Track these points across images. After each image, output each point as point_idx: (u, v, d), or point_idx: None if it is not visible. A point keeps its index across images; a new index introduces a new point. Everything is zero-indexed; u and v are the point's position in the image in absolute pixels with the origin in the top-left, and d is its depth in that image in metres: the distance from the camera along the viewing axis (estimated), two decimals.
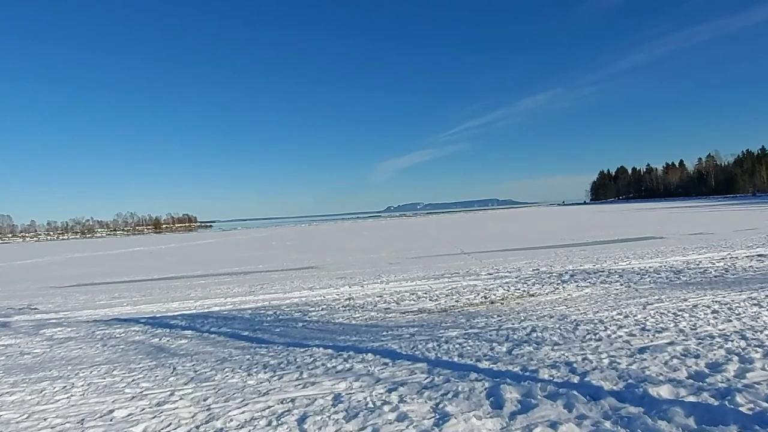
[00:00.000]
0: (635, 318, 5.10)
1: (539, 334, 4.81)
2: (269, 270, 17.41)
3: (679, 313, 5.25)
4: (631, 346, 4.19)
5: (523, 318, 5.80)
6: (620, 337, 4.37)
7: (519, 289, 8.40)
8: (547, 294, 7.70)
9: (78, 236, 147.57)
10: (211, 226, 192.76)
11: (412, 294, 8.90)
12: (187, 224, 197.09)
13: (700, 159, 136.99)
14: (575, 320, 5.20)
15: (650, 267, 11.02)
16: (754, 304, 5.48)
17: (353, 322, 6.89)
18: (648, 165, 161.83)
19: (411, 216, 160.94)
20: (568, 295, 7.34)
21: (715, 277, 8.16)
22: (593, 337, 4.46)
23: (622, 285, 7.93)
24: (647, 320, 4.95)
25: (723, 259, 10.85)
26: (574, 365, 3.96)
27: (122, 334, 7.16)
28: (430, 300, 8.25)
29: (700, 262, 10.81)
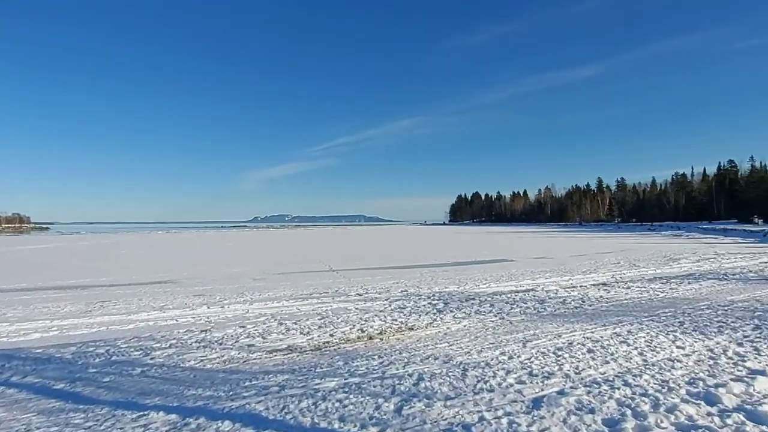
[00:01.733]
0: (520, 360, 4.90)
1: (428, 383, 4.25)
2: (113, 284, 15.24)
3: (559, 352, 5.18)
4: (524, 397, 3.89)
5: (406, 360, 5.20)
6: (511, 385, 4.08)
7: (396, 320, 7.84)
8: (425, 327, 7.23)
9: None
10: (48, 228, 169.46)
11: (280, 324, 7.85)
12: (17, 225, 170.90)
13: (539, 190, 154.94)
14: (462, 363, 4.82)
15: (509, 291, 11.52)
16: (622, 342, 5.63)
17: (208, 365, 5.59)
18: (498, 192, 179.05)
19: (278, 228, 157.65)
20: (447, 328, 7.01)
21: (576, 308, 8.51)
22: (485, 386, 4.10)
23: (495, 317, 7.85)
24: (532, 362, 4.77)
25: (574, 287, 11.60)
26: (473, 429, 3.56)
27: None
28: (300, 333, 7.27)
29: (551, 287, 11.46)
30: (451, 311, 8.56)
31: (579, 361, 4.78)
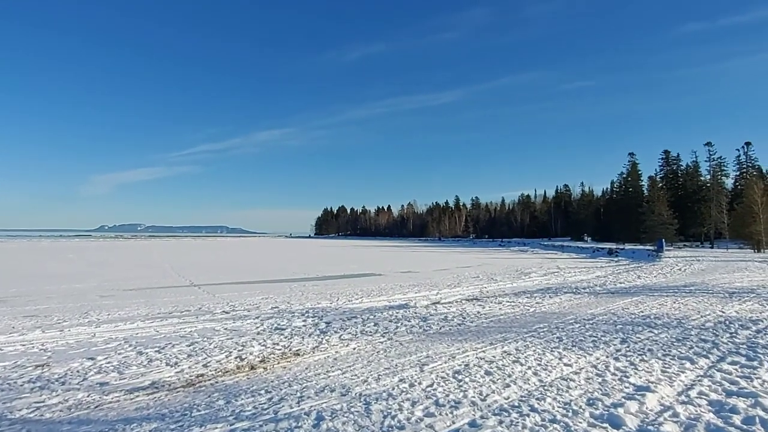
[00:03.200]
0: (422, 387, 4.55)
1: (330, 424, 3.57)
2: None
3: (458, 376, 4.96)
4: None
5: (299, 394, 4.44)
6: (421, 419, 3.68)
7: (278, 344, 6.99)
8: (312, 351, 6.51)
9: None
10: None
11: (140, 353, 6.62)
12: None
13: (403, 206, 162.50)
14: (362, 395, 4.32)
15: (383, 306, 11.52)
16: (514, 361, 5.61)
17: (47, 415, 4.33)
18: (363, 207, 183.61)
19: (129, 238, 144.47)
20: (336, 352, 6.44)
21: (459, 325, 8.51)
22: (393, 423, 3.61)
23: (383, 337, 7.46)
24: (435, 390, 4.47)
25: (452, 303, 11.88)
26: None
27: None
28: (167, 364, 6.09)
29: (422, 302, 11.63)
30: (336, 332, 8.09)
31: (481, 386, 4.63)
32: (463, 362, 5.69)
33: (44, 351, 7.25)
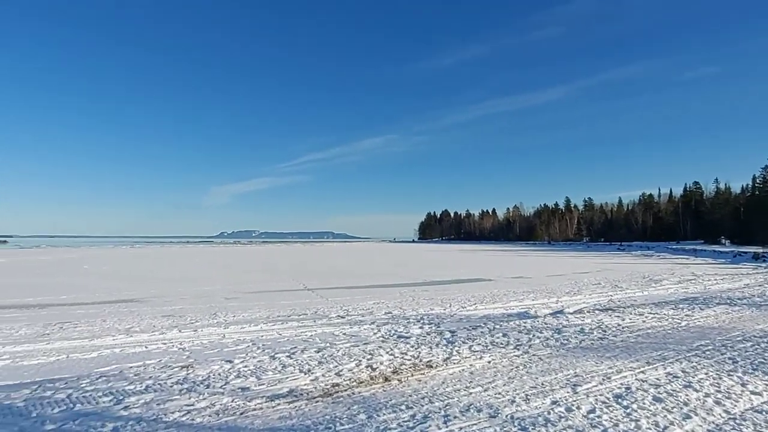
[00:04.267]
0: (583, 413, 4.00)
1: None
2: (75, 303, 14.02)
3: (622, 401, 4.31)
4: None
5: (444, 413, 4.19)
6: None
7: (406, 354, 6.82)
8: (444, 363, 6.19)
9: None
10: (6, 241, 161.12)
11: (273, 358, 6.74)
12: None
13: (508, 209, 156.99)
14: (514, 418, 3.88)
15: (500, 314, 10.87)
16: (686, 386, 4.90)
17: (198, 419, 4.44)
18: (467, 210, 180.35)
19: (246, 243, 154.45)
20: (470, 365, 6.09)
21: (601, 339, 7.74)
22: None
23: (517, 350, 6.96)
24: (600, 417, 3.88)
25: (582, 313, 11.00)
26: None
27: None
28: (300, 371, 6.10)
29: (542, 310, 10.89)
30: (464, 342, 7.70)
31: (654, 415, 4.01)
32: (622, 384, 5.05)
33: (183, 350, 7.65)
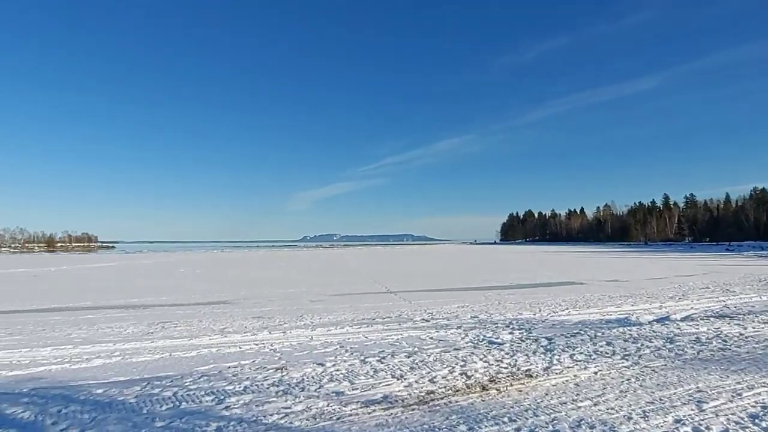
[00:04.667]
0: None
1: None
2: (174, 303, 14.95)
3: (760, 422, 3.82)
4: None
5: (553, 429, 3.96)
6: None
7: (502, 362, 6.59)
8: (545, 373, 5.91)
9: None
10: (113, 247, 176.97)
11: (364, 362, 6.76)
12: (85, 244, 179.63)
13: (598, 207, 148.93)
14: None
15: (597, 320, 10.21)
16: None
17: (296, 423, 4.45)
18: (553, 210, 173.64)
19: (327, 247, 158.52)
20: (575, 376, 5.68)
21: (722, 350, 6.95)
22: None
23: (626, 360, 6.38)
24: None
25: (693, 320, 10.10)
26: None
27: None
28: (393, 377, 5.98)
29: (645, 316, 10.09)
30: (564, 350, 7.26)
31: None
32: (757, 402, 4.47)
33: (274, 351, 7.87)
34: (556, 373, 5.93)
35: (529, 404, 4.68)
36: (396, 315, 11.63)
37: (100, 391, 5.44)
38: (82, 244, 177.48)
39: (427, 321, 10.61)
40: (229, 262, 50.36)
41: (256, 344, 8.43)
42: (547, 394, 5.03)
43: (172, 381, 5.76)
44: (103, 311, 13.39)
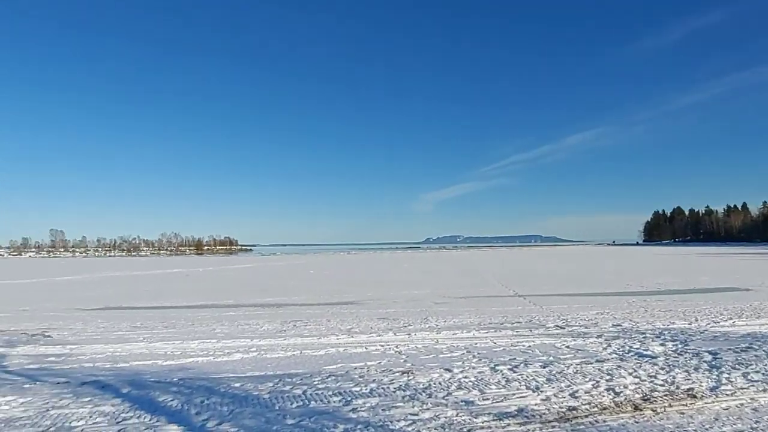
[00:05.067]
0: None
1: None
2: (304, 303, 15.66)
3: None
4: None
5: None
6: None
7: (656, 378, 5.80)
8: (712, 393, 5.07)
9: (124, 254, 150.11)
10: (251, 249, 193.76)
11: (494, 370, 6.33)
12: (227, 247, 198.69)
13: (765, 203, 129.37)
14: None
15: None
16: None
17: (423, 431, 4.18)
18: (707, 207, 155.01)
19: (451, 249, 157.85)
20: (751, 399, 4.75)
21: None
22: None
23: None
24: None
25: None
26: None
27: (78, 425, 4.47)
28: (527, 388, 5.46)
29: None
30: (734, 367, 6.17)
31: None
32: None
33: (399, 353, 7.78)
34: (727, 395, 5.01)
35: (695, 430, 3.96)
36: (526, 320, 11.03)
37: (237, 384, 5.71)
38: (224, 247, 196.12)
39: (561, 328, 9.90)
40: (355, 263, 52.16)
41: (382, 345, 8.42)
42: (717, 420, 4.22)
43: (302, 379, 5.87)
44: (242, 309, 14.41)
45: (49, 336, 10.10)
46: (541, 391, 5.29)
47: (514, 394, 5.20)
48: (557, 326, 10.12)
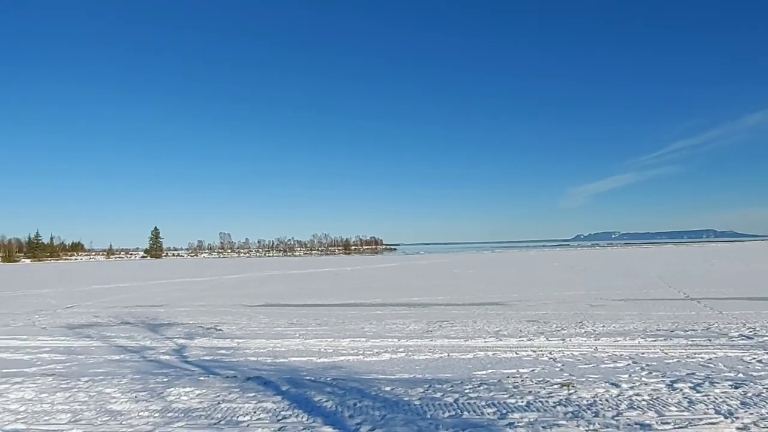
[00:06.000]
0: None
1: None
2: (449, 303, 15.53)
3: None
4: None
5: None
6: None
7: None
8: None
9: (280, 254, 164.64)
10: (395, 249, 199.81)
11: (671, 387, 5.49)
12: (373, 246, 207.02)
13: None
14: None
15: None
16: None
17: None
18: None
19: (605, 246, 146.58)
20: None
21: None
22: None
23: None
24: None
25: None
26: None
27: (244, 420, 4.77)
28: (716, 412, 4.61)
29: None
30: None
31: None
32: None
33: (554, 361, 7.31)
34: None
35: None
36: (702, 328, 9.72)
37: (388, 388, 5.70)
38: (370, 247, 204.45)
39: (749, 338, 8.53)
40: (499, 262, 50.89)
41: (533, 351, 7.98)
42: None
43: (452, 386, 5.67)
44: (389, 308, 14.71)
45: (220, 330, 11.26)
46: (736, 418, 4.40)
47: (701, 419, 4.39)
48: (743, 336, 8.76)
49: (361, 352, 8.33)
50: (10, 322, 13.52)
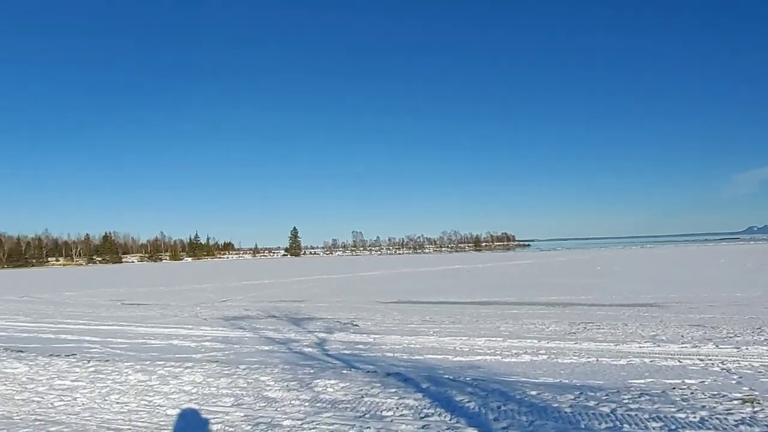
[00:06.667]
0: None
1: None
2: (593, 303, 14.41)
3: None
4: None
5: None
6: None
7: None
8: None
9: (410, 251, 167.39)
10: (529, 245, 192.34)
11: None
12: (505, 243, 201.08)
13: None
14: None
15: None
16: None
17: None
18: None
19: None
20: None
21: None
22: None
23: None
24: None
25: None
26: None
27: (388, 415, 4.68)
28: None
29: None
30: None
31: None
32: None
33: (728, 372, 6.34)
34: None
35: None
36: None
37: (533, 392, 5.27)
38: (501, 243, 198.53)
39: None
40: (651, 258, 46.48)
41: (701, 359, 7.00)
42: None
43: (607, 394, 5.05)
44: (525, 307, 14.03)
45: (356, 325, 11.57)
46: None
47: None
48: None
49: (498, 353, 7.99)
50: (178, 313, 15.36)
